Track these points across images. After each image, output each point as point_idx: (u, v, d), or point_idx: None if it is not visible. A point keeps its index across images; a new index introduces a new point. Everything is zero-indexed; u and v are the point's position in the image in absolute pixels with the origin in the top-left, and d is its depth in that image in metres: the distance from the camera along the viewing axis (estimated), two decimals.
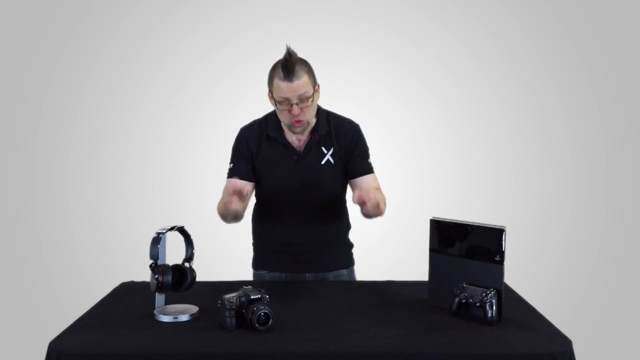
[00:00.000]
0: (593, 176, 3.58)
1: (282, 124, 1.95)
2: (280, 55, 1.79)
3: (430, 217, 1.67)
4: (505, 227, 1.51)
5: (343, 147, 1.96)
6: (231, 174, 2.00)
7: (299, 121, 1.84)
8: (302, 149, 1.96)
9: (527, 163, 3.62)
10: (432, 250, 1.67)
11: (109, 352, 1.34)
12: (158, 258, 1.54)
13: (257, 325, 1.42)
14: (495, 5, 3.58)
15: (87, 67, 3.57)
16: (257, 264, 2.14)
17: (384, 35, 3.58)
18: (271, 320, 1.44)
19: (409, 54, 3.58)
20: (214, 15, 3.55)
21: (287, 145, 1.96)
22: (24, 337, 2.89)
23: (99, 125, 3.59)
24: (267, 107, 1.99)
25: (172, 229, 1.59)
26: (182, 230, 1.62)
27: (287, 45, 1.78)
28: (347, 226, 2.13)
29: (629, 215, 3.53)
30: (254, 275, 2.15)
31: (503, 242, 1.50)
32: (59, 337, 1.42)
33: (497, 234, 1.51)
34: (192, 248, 1.62)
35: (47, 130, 3.56)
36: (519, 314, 1.58)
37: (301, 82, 1.78)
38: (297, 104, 1.80)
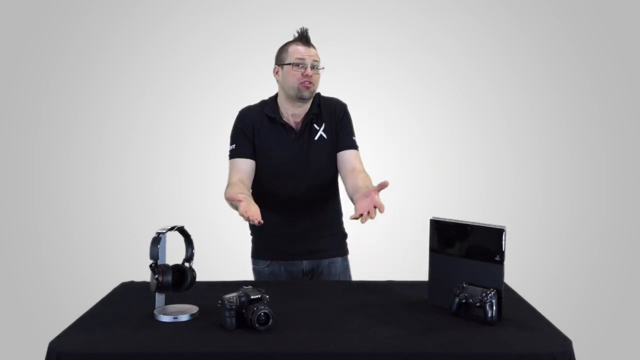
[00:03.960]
0: (593, 176, 3.58)
1: (287, 94, 2.00)
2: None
3: (430, 217, 1.67)
4: (505, 227, 1.51)
5: (332, 122, 2.07)
6: (234, 154, 2.04)
7: (310, 82, 1.96)
8: (299, 127, 2.05)
9: (527, 163, 3.62)
10: (432, 250, 1.67)
11: (109, 352, 1.34)
12: (158, 258, 1.54)
13: (257, 325, 1.42)
14: (495, 5, 3.58)
15: (87, 67, 3.57)
16: (256, 252, 2.16)
17: (384, 35, 3.59)
18: (271, 320, 1.44)
19: (409, 54, 3.59)
20: (214, 15, 3.55)
21: (285, 125, 2.04)
22: (24, 337, 2.89)
23: (99, 125, 3.60)
24: None
25: (172, 229, 1.59)
26: (182, 230, 1.61)
27: (301, 27, 2.00)
28: (340, 212, 2.18)
29: (629, 215, 3.53)
30: (254, 270, 2.16)
31: (503, 242, 1.50)
32: (59, 337, 1.42)
33: (497, 234, 1.51)
34: (192, 248, 1.62)
35: (47, 130, 3.56)
36: (519, 314, 1.58)
37: (316, 51, 2.01)
38: (310, 67, 1.96)
